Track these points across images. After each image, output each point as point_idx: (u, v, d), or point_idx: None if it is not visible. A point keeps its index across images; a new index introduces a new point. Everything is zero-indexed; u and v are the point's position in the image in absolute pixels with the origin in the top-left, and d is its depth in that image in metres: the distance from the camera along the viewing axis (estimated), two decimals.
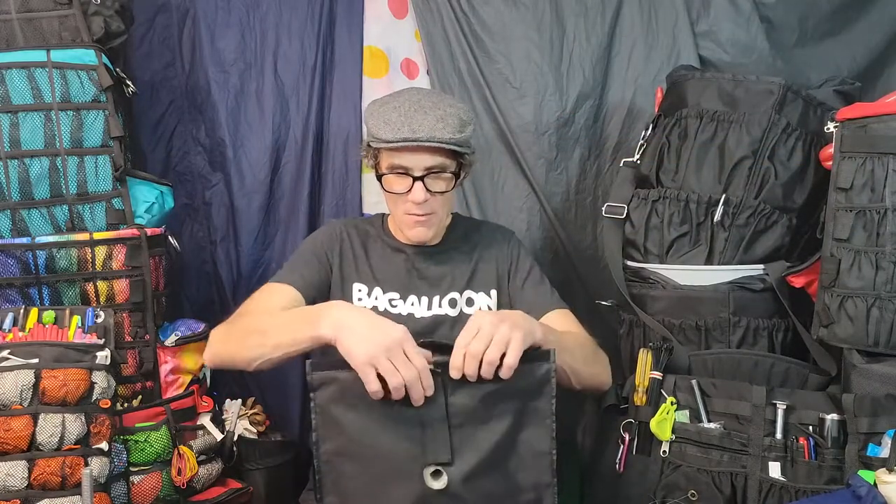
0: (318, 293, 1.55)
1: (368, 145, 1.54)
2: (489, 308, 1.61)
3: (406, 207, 1.52)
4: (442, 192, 1.51)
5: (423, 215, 1.52)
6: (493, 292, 1.62)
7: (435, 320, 1.57)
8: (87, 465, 1.44)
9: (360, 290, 1.59)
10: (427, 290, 1.59)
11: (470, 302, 1.60)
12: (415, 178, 1.48)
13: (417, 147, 1.45)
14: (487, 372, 1.19)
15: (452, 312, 1.58)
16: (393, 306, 1.58)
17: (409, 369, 1.16)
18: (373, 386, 1.16)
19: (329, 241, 1.62)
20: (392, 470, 1.22)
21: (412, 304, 1.58)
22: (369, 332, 1.19)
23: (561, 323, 1.53)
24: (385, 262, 1.62)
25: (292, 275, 1.55)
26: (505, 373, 1.19)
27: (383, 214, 1.72)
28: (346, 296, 1.58)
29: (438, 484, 1.21)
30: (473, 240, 1.66)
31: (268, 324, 1.36)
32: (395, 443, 1.21)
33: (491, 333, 1.19)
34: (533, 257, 1.70)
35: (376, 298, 1.58)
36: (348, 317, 1.23)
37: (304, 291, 1.52)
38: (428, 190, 1.49)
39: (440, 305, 1.58)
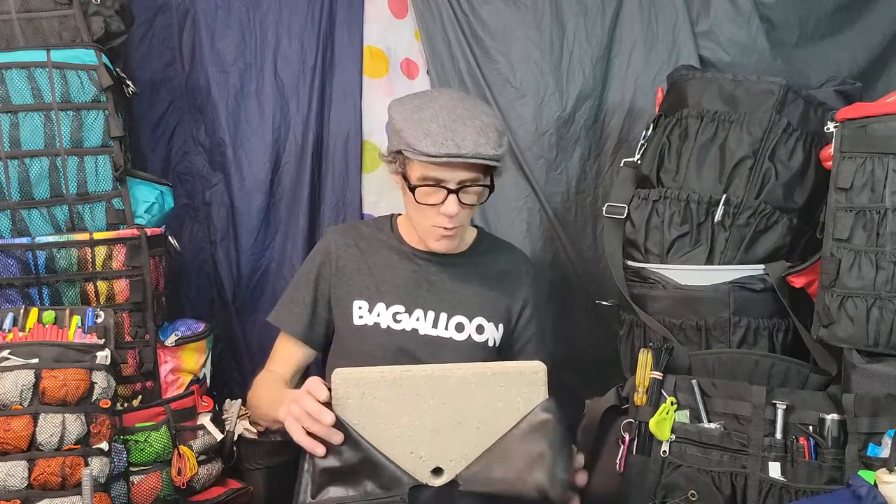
0: (316, 334, 1.61)
1: (399, 152, 1.47)
2: (495, 342, 1.59)
3: (436, 220, 1.48)
4: (473, 205, 1.48)
5: (451, 228, 1.49)
6: (501, 326, 1.59)
7: (439, 342, 1.54)
8: (87, 465, 1.44)
9: (360, 308, 1.56)
10: (435, 304, 1.55)
11: (480, 330, 1.57)
12: (449, 191, 1.44)
13: (459, 164, 1.42)
14: None
15: (458, 336, 1.55)
16: (397, 321, 1.54)
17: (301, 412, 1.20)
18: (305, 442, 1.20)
19: (324, 262, 1.59)
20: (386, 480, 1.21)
21: (417, 319, 1.55)
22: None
23: None
24: (390, 271, 1.58)
25: (293, 320, 1.59)
26: None
27: (392, 216, 1.68)
28: (346, 314, 1.56)
29: (439, 481, 1.21)
30: (496, 264, 1.62)
31: (253, 406, 1.61)
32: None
33: None
34: (545, 295, 1.68)
35: (378, 315, 1.54)
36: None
37: (307, 341, 1.61)
38: (461, 203, 1.45)
39: (446, 327, 1.55)
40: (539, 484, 1.16)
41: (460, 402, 1.21)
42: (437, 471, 1.22)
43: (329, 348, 1.65)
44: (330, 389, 1.20)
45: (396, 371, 1.21)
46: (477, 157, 1.40)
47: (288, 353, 1.62)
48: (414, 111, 1.46)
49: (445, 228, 1.49)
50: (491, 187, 1.50)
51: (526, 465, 1.19)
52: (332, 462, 1.19)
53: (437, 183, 1.44)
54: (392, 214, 1.70)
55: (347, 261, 1.58)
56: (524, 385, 1.23)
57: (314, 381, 1.23)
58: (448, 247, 1.53)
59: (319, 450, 1.18)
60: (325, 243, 1.63)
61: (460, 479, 1.22)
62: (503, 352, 1.63)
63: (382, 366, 1.24)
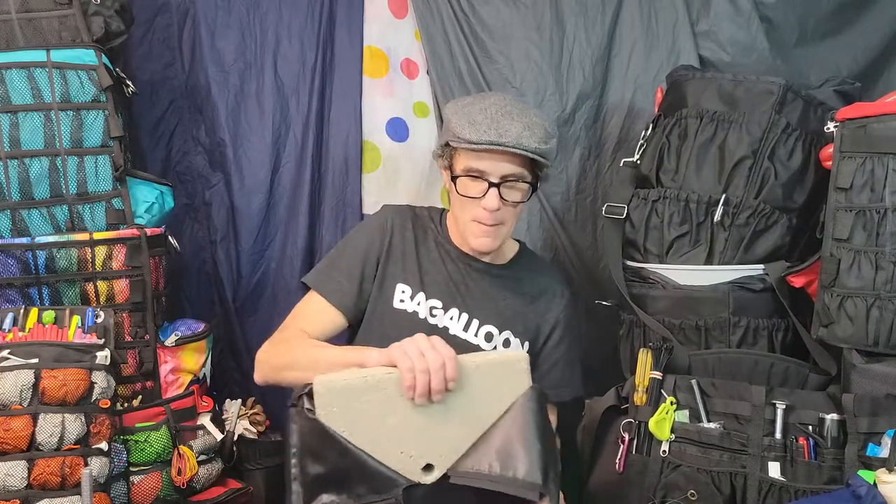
0: (357, 309, 1.52)
1: (447, 144, 1.48)
2: None
3: (476, 213, 1.46)
4: (515, 203, 1.46)
5: (491, 225, 1.47)
6: (527, 344, 1.57)
7: (467, 347, 1.51)
8: (86, 465, 1.44)
9: (403, 292, 1.53)
10: (470, 308, 1.53)
11: (507, 343, 1.55)
12: (491, 184, 1.43)
13: (501, 152, 1.41)
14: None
15: (486, 346, 1.53)
16: (433, 315, 1.52)
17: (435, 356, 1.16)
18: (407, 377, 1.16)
19: (378, 239, 1.55)
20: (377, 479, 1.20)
21: (451, 318, 1.53)
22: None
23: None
24: (435, 266, 1.56)
25: (335, 289, 1.50)
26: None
27: (443, 210, 1.66)
28: (387, 294, 1.53)
29: (431, 477, 1.21)
30: (533, 281, 1.61)
31: (311, 360, 1.36)
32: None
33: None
34: (578, 324, 1.64)
35: (418, 304, 1.53)
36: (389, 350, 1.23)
37: (346, 313, 1.51)
38: (502, 198, 1.44)
39: (476, 333, 1.53)
40: (527, 473, 1.17)
41: (446, 397, 1.21)
42: (428, 467, 1.22)
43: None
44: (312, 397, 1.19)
45: (379, 374, 1.21)
46: (518, 148, 1.39)
47: (324, 319, 1.51)
48: (465, 105, 1.47)
49: (485, 224, 1.47)
50: (534, 186, 1.48)
51: (514, 455, 1.19)
52: (321, 469, 1.19)
53: (480, 175, 1.44)
54: (443, 209, 1.67)
55: (401, 242, 1.56)
56: (509, 375, 1.23)
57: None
58: (487, 245, 1.50)
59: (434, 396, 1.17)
60: (381, 219, 1.60)
61: (451, 473, 1.21)
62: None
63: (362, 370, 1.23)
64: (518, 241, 1.68)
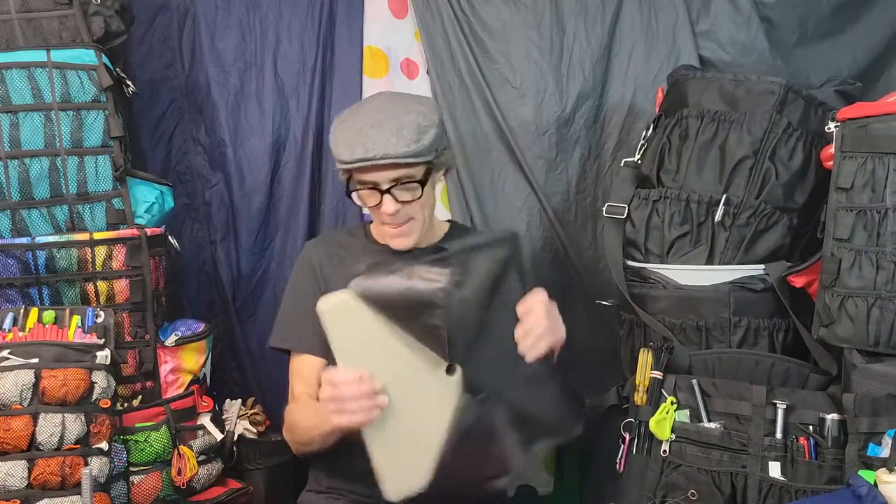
0: None
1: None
2: None
3: (383, 218, 1.50)
4: (413, 200, 1.48)
5: (399, 224, 1.50)
6: None
7: None
8: (86, 464, 1.44)
9: None
10: None
11: None
12: (382, 192, 1.46)
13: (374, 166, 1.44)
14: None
15: None
16: None
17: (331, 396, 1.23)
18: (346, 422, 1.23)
19: (311, 276, 1.58)
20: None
21: None
22: None
23: None
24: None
25: (307, 340, 1.51)
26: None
27: (364, 223, 1.69)
28: None
29: (455, 377, 1.26)
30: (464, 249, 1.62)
31: (313, 421, 1.44)
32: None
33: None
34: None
35: None
36: None
37: (325, 354, 1.51)
38: (398, 200, 1.47)
39: None
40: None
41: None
42: (450, 369, 1.27)
43: None
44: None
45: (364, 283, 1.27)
46: (386, 158, 1.41)
47: (311, 370, 1.53)
48: (343, 121, 1.51)
49: (393, 227, 1.51)
50: (423, 182, 1.49)
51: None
52: None
53: (373, 185, 1.47)
54: (365, 222, 1.69)
55: (330, 270, 1.58)
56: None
57: (327, 372, 1.26)
58: (404, 244, 1.53)
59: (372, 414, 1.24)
60: (305, 258, 1.62)
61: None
62: None
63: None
64: (449, 221, 1.71)
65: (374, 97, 1.60)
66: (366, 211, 2.10)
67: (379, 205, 1.48)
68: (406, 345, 1.26)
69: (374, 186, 1.47)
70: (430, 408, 1.27)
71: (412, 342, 1.26)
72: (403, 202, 1.47)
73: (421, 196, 1.49)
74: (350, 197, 1.52)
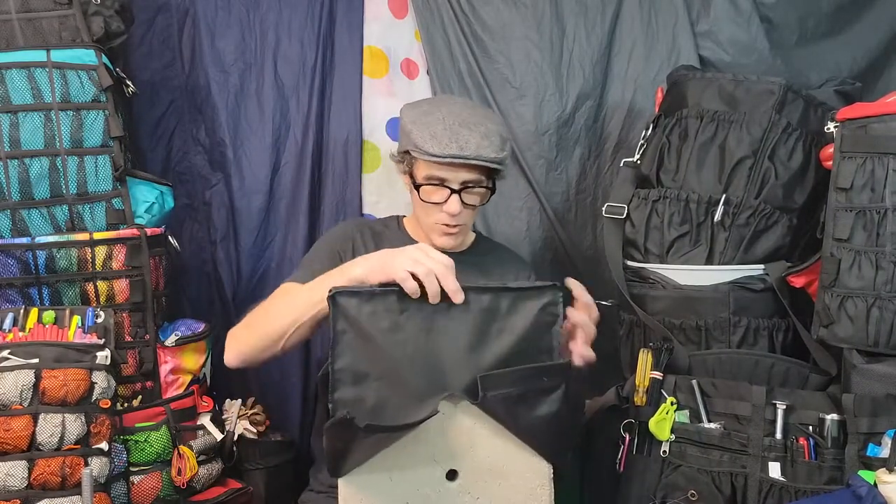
0: None
1: (406, 152, 1.55)
2: None
3: (439, 217, 1.55)
4: (475, 206, 1.55)
5: (454, 226, 1.56)
6: None
7: None
8: (87, 465, 1.44)
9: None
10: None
11: None
12: (452, 191, 1.51)
13: (461, 164, 1.49)
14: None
15: None
16: None
17: (437, 262, 1.22)
18: (409, 283, 1.20)
19: (342, 240, 1.62)
20: (409, 395, 1.22)
21: None
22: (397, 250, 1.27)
23: None
24: None
25: (307, 274, 1.51)
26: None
27: (398, 217, 1.73)
28: None
29: (450, 482, 1.22)
30: (497, 259, 1.70)
31: (288, 298, 1.39)
32: (414, 370, 1.22)
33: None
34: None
35: None
36: (374, 253, 1.31)
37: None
38: (463, 203, 1.52)
39: None
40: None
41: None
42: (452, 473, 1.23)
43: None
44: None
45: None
46: (479, 159, 1.48)
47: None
48: (423, 115, 1.54)
49: (448, 226, 1.55)
50: (492, 190, 1.58)
51: None
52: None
53: (441, 182, 1.52)
54: (397, 216, 1.73)
55: (362, 244, 1.61)
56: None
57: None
58: (451, 244, 1.59)
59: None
60: (346, 230, 1.65)
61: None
62: None
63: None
64: (474, 231, 1.76)
65: (443, 99, 1.65)
66: (366, 211, 2.13)
67: (442, 203, 1.52)
68: None
69: (444, 184, 1.51)
70: None
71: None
72: (468, 205, 1.54)
73: (484, 203, 1.57)
74: (417, 189, 1.54)
